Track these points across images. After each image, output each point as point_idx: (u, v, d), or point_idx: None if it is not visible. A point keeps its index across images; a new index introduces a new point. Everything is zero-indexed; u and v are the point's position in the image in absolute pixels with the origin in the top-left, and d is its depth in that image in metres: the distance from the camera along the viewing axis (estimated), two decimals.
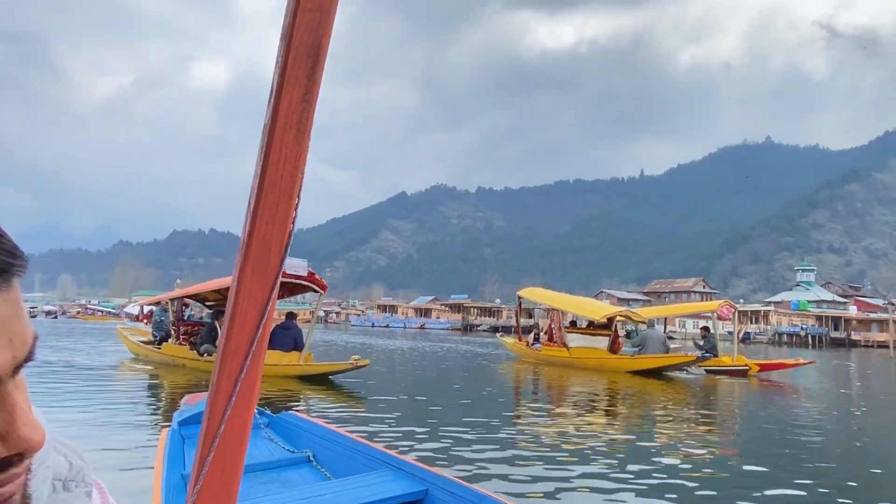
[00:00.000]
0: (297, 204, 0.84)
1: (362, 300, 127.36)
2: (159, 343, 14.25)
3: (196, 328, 13.43)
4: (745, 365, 15.76)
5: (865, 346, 59.87)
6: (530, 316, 57.48)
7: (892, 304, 74.07)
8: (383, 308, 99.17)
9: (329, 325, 68.97)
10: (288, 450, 3.22)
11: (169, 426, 3.38)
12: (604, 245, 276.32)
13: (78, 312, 74.78)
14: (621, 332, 18.89)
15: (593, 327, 18.41)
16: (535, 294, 19.37)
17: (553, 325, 18.05)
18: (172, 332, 13.40)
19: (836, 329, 67.35)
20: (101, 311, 76.51)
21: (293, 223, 0.85)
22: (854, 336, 64.78)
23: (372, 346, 24.92)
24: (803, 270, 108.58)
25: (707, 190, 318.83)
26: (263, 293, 0.84)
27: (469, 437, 5.99)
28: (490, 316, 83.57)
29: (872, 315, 71.26)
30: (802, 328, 67.05)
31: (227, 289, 13.28)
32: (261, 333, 0.83)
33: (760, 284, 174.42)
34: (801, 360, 17.38)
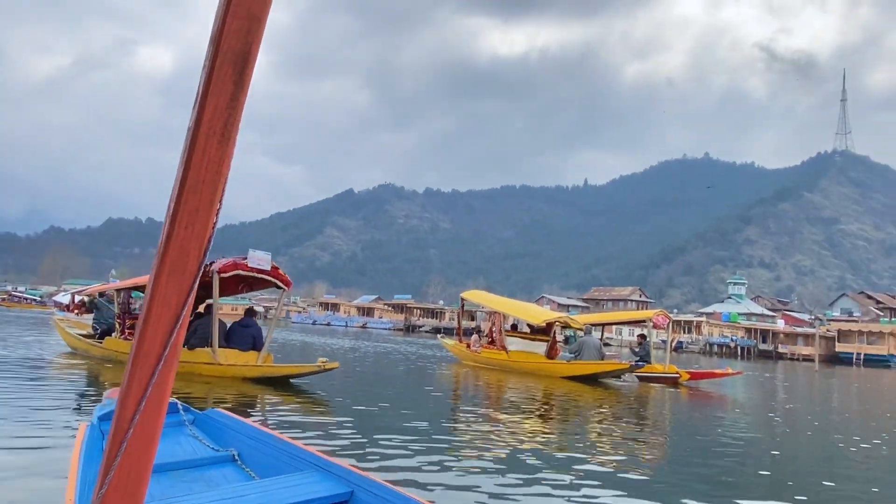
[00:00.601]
0: (218, 210, 0.84)
1: (304, 297, 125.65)
2: (101, 337, 13.23)
3: None
4: (677, 373, 16.24)
5: (791, 359, 62.60)
6: (473, 318, 57.97)
7: (819, 319, 77.64)
8: (325, 306, 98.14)
9: (266, 321, 67.96)
10: (212, 448, 3.13)
11: (89, 421, 3.23)
12: (546, 251, 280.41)
13: (3, 300, 71.41)
14: (559, 338, 19.19)
15: (533, 332, 18.64)
16: (478, 297, 19.51)
17: (494, 329, 18.21)
18: (117, 326, 12.36)
19: (764, 341, 70.26)
20: (27, 299, 73.26)
21: (213, 229, 0.85)
22: (781, 349, 67.80)
23: (312, 345, 24.62)
24: (735, 283, 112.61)
25: (647, 202, 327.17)
26: (179, 297, 0.83)
27: (401, 439, 5.98)
28: (433, 317, 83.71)
29: (798, 329, 74.61)
30: (732, 339, 69.66)
31: None
32: (174, 338, 0.83)
33: (693, 296, 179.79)
34: (730, 371, 18.04)
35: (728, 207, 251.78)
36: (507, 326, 18.84)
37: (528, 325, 19.07)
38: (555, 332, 17.60)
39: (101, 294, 15.29)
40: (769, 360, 56.26)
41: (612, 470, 5.27)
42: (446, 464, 5.13)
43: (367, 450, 5.38)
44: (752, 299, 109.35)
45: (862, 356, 62.44)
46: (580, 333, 17.69)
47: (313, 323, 77.47)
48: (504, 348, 17.22)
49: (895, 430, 9.99)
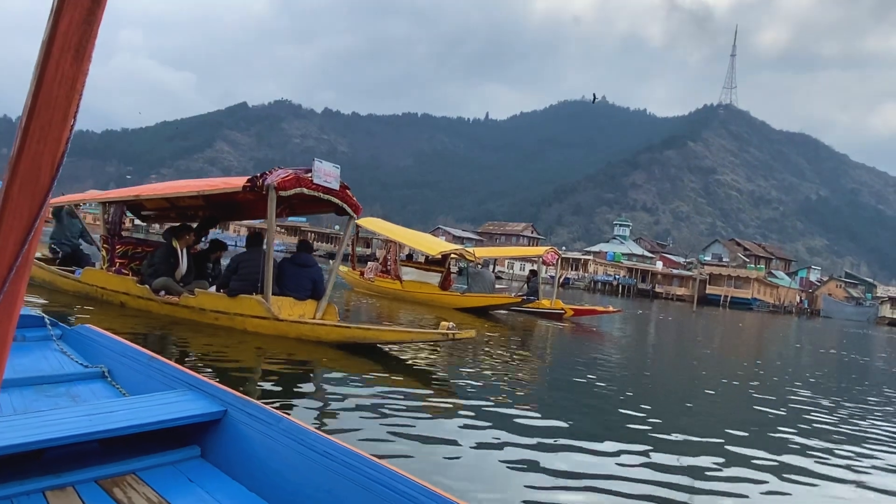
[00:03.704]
0: (72, 125, 0.84)
1: None
2: (62, 263, 10.36)
3: (140, 250, 9.53)
4: (562, 309, 16.97)
5: (666, 299, 67.41)
6: (368, 246, 57.80)
7: (691, 263, 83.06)
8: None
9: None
10: (81, 364, 3.04)
11: None
12: (443, 182, 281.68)
13: None
14: (453, 270, 19.47)
15: (427, 263, 18.78)
16: (374, 224, 19.36)
17: (389, 257, 18.20)
18: (103, 254, 9.30)
19: (643, 281, 74.96)
20: None
21: (67, 144, 0.84)
22: (658, 289, 72.46)
23: None
24: (620, 225, 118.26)
25: (544, 140, 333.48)
26: (31, 210, 0.82)
27: (278, 367, 5.94)
28: (328, 242, 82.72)
29: (674, 271, 79.88)
30: (615, 278, 73.81)
31: (191, 198, 8.89)
32: (26, 249, 0.83)
33: (580, 234, 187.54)
34: (612, 308, 19.07)
35: (618, 152, 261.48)
36: (403, 256, 18.89)
37: (424, 256, 19.19)
38: (449, 264, 17.85)
39: (61, 208, 10.88)
40: (646, 299, 60.12)
41: (496, 396, 5.48)
42: (324, 386, 5.19)
43: (240, 374, 5.28)
44: (634, 241, 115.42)
45: (729, 298, 68.10)
46: (474, 266, 18.02)
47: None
48: (398, 278, 17.31)
49: (747, 365, 10.99)
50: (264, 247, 7.63)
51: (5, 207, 0.82)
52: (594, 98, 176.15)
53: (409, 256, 20.01)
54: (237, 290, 7.60)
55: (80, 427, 2.04)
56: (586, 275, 77.42)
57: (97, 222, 12.13)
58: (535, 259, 18.50)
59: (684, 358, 12.28)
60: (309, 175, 7.49)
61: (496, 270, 20.02)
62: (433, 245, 17.92)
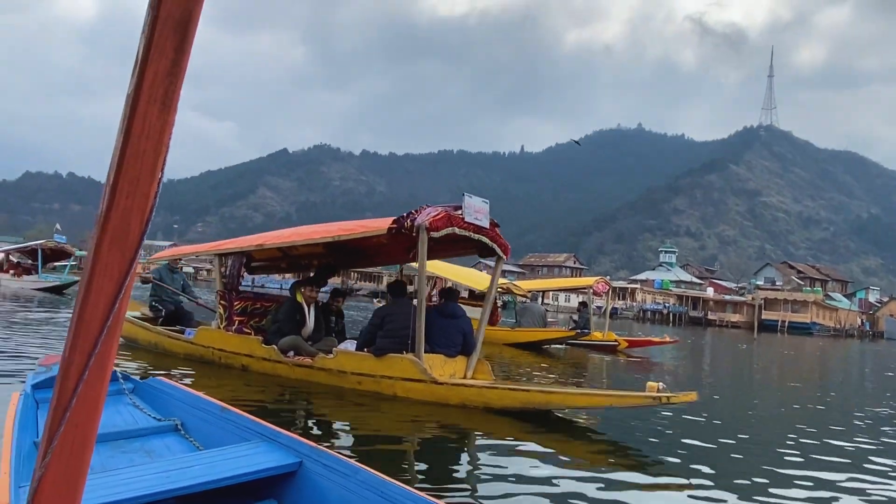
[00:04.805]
0: (160, 179, 0.83)
1: None
2: (166, 322, 9.53)
3: (259, 305, 8.78)
4: (615, 341, 16.43)
5: (720, 326, 65.21)
6: (411, 283, 57.63)
7: (744, 288, 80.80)
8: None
9: (199, 283, 65.73)
10: (154, 417, 3.04)
11: (21, 390, 3.12)
12: None
13: None
14: (498, 304, 19.17)
15: (473, 298, 18.52)
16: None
17: (434, 294, 17.96)
18: (220, 310, 8.25)
19: (694, 308, 72.81)
20: None
21: (155, 198, 0.84)
22: (710, 316, 70.23)
23: None
24: (666, 251, 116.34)
25: (581, 170, 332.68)
26: (121, 267, 0.82)
27: (343, 414, 5.76)
28: (371, 281, 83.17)
29: (727, 297, 77.64)
30: (665, 306, 72.02)
31: (308, 245, 8.12)
32: (118, 307, 0.82)
33: (623, 263, 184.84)
34: (667, 339, 18.42)
35: (658, 178, 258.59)
36: None
37: (469, 291, 18.95)
38: (495, 299, 17.54)
39: (165, 262, 10.34)
40: (699, 327, 58.44)
41: (557, 432, 5.21)
42: (384, 433, 4.97)
43: (310, 422, 5.01)
44: (681, 267, 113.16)
45: (787, 324, 65.53)
46: (521, 299, 17.64)
47: (250, 286, 75.16)
48: None
49: (818, 396, 10.31)
50: (412, 300, 6.90)
51: (96, 265, 0.81)
52: (577, 142, 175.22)
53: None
54: (385, 348, 6.63)
55: (158, 485, 2.05)
56: (634, 304, 75.78)
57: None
58: (585, 290, 18.06)
59: (770, 390, 11.62)
60: (459, 212, 6.70)
61: (543, 303, 19.61)
62: (478, 280, 17.68)
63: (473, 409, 6.20)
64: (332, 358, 6.92)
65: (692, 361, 17.34)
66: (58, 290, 23.14)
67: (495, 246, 7.20)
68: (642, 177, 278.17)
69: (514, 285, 17.66)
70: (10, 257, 26.18)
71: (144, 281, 10.11)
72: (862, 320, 78.21)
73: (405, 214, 6.54)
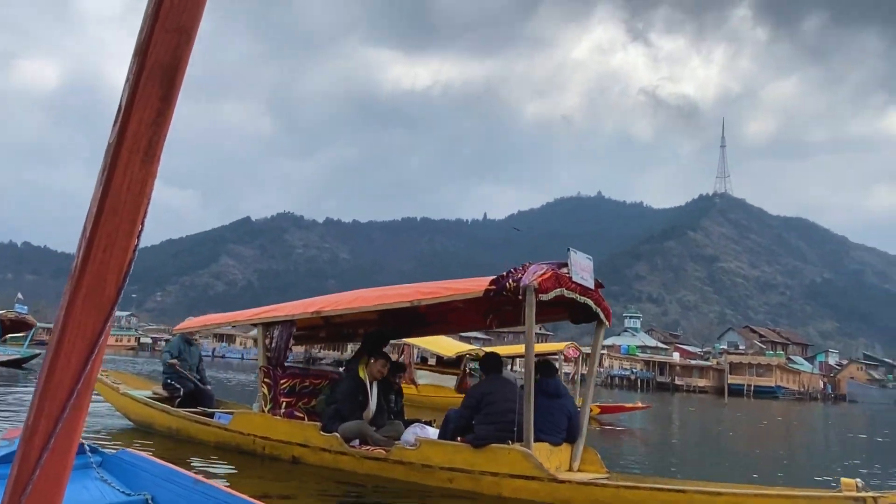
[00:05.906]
0: (140, 231, 0.79)
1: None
2: (183, 403, 8.31)
3: (308, 383, 7.28)
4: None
5: (687, 391, 65.11)
6: (401, 354, 56.57)
7: (709, 353, 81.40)
8: (220, 337, 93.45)
9: (156, 354, 63.50)
10: (124, 493, 2.89)
11: None
12: None
13: None
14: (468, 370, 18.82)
15: (442, 364, 18.24)
16: None
17: (403, 360, 17.57)
18: (263, 391, 6.82)
19: (661, 373, 72.70)
20: None
21: (134, 252, 0.79)
22: (677, 381, 70.15)
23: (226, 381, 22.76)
24: (631, 317, 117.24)
25: (543, 236, 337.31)
26: (95, 326, 0.76)
27: None
28: (335, 349, 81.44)
29: (693, 362, 77.95)
30: (633, 372, 71.78)
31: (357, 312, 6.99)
32: (88, 371, 0.76)
33: (587, 328, 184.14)
34: (640, 405, 18.12)
35: (619, 244, 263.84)
36: (416, 359, 18.41)
37: (438, 358, 18.64)
38: (465, 365, 17.28)
39: (181, 335, 9.21)
40: (667, 392, 58.18)
41: None
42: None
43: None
44: (645, 332, 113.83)
45: (752, 388, 65.82)
46: None
47: (209, 355, 73.36)
48: (413, 382, 16.65)
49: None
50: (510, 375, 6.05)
51: (68, 322, 0.76)
52: (518, 229, 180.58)
53: (423, 359, 19.40)
54: (485, 436, 5.46)
55: None
56: (601, 369, 75.48)
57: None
58: (556, 355, 17.78)
59: (747, 457, 11.26)
60: (565, 270, 5.78)
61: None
62: (448, 346, 17.44)
63: None
64: (414, 449, 5.73)
65: (671, 427, 16.95)
66: (17, 363, 21.87)
67: (599, 311, 6.36)
68: (604, 243, 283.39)
69: (484, 351, 17.26)
70: None
71: (169, 366, 8.75)
72: (824, 383, 79.11)
73: (505, 273, 5.73)
